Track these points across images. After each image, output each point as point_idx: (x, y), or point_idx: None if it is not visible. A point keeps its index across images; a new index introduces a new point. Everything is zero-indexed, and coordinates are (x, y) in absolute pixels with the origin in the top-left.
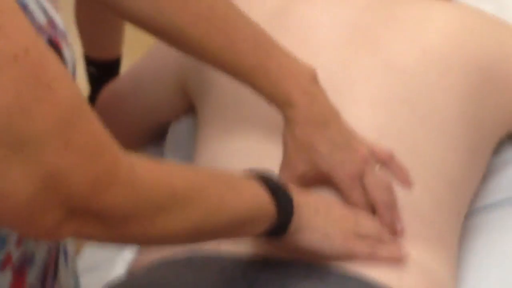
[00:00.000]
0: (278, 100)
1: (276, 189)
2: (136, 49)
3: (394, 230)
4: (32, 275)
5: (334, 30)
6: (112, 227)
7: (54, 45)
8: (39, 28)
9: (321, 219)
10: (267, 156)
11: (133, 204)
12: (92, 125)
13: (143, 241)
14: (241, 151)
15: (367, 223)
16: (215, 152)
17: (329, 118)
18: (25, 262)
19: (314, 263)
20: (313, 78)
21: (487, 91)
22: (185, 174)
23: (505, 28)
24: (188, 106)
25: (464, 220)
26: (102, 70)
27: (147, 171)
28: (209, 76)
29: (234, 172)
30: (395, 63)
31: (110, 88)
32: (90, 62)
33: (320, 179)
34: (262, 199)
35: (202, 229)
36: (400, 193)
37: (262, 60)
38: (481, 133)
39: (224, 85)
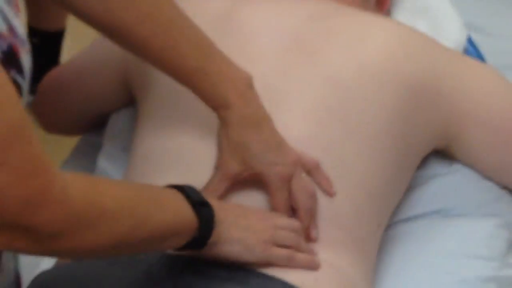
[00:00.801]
0: (215, 102)
1: (198, 204)
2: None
3: (309, 236)
4: None
5: (275, 38)
6: (42, 243)
7: (13, 53)
8: None
9: (240, 232)
10: (200, 155)
11: (64, 222)
12: (29, 147)
13: (72, 254)
14: (175, 150)
15: (285, 233)
16: (149, 149)
17: (262, 121)
18: None
19: (237, 266)
20: (249, 83)
21: (417, 108)
22: (115, 193)
23: (439, 49)
24: (129, 98)
25: (385, 230)
26: (45, 41)
27: (79, 192)
28: (150, 72)
29: (160, 187)
30: (331, 75)
31: (53, 75)
32: (34, 33)
33: (251, 179)
34: (184, 214)
35: (127, 243)
36: (322, 201)
37: (203, 63)
38: (407, 149)
39: (164, 83)
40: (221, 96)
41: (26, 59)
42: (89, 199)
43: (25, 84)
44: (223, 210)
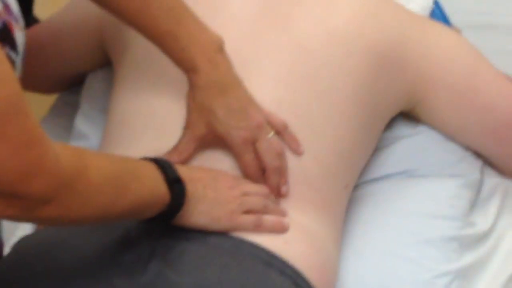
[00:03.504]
0: (184, 66)
1: (172, 181)
2: None
3: (279, 193)
4: None
5: (246, 3)
6: (32, 210)
7: (7, 30)
8: None
9: (206, 204)
10: (172, 118)
11: (55, 191)
12: (25, 120)
13: (57, 222)
14: (148, 114)
15: (252, 199)
16: (124, 113)
17: (228, 85)
18: None
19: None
20: (219, 47)
21: (383, 74)
22: (99, 165)
23: (405, 15)
24: (106, 59)
25: (352, 191)
26: None
27: (68, 163)
28: (125, 36)
29: (140, 161)
30: (301, 42)
31: (30, 35)
32: None
33: (217, 141)
34: (159, 190)
35: (108, 213)
36: (291, 161)
37: (173, 27)
38: (374, 112)
39: (138, 47)
40: (190, 60)
41: (19, 35)
42: (77, 169)
43: (19, 60)
44: (193, 182)
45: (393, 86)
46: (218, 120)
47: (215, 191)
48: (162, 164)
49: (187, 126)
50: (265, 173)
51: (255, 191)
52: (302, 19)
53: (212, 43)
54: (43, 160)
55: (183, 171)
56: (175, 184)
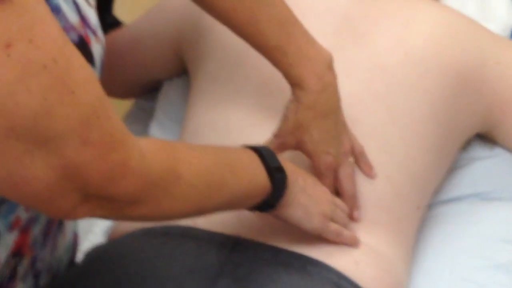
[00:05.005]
0: (291, 81)
1: (273, 170)
2: None
3: (352, 217)
4: (36, 230)
5: (325, 18)
6: (122, 209)
7: (84, 43)
8: (71, 28)
9: (306, 198)
10: (247, 134)
11: (142, 190)
12: (109, 123)
13: (148, 219)
14: (223, 127)
15: (339, 212)
16: (199, 125)
17: (332, 109)
18: (31, 221)
19: (281, 248)
20: (329, 65)
21: (460, 95)
22: (190, 159)
23: (485, 35)
24: (183, 68)
25: (425, 211)
26: None
27: (155, 159)
28: (203, 47)
29: (237, 150)
30: (377, 60)
31: (109, 41)
32: None
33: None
34: (259, 179)
35: (202, 208)
36: (364, 183)
37: (282, 43)
38: (449, 134)
39: (216, 59)
40: (297, 76)
41: (97, 48)
42: (165, 166)
43: (96, 73)
44: (294, 174)
45: (469, 107)
46: (311, 142)
47: (313, 189)
48: (263, 153)
49: (278, 135)
50: (341, 197)
51: (342, 206)
52: (380, 37)
53: (321, 60)
54: (128, 161)
55: (284, 162)
56: (277, 173)
